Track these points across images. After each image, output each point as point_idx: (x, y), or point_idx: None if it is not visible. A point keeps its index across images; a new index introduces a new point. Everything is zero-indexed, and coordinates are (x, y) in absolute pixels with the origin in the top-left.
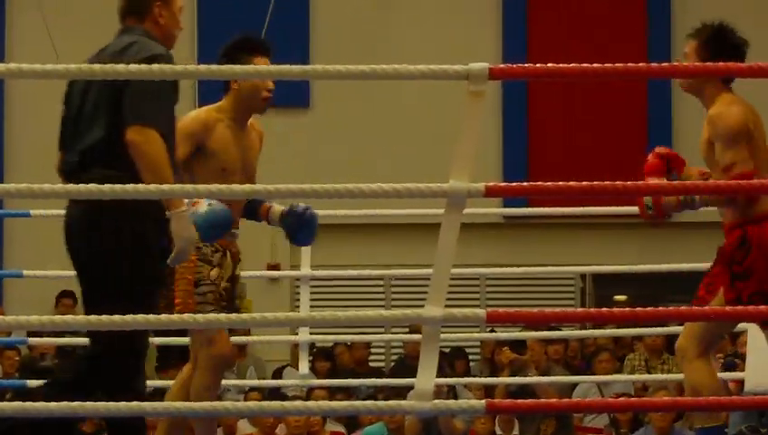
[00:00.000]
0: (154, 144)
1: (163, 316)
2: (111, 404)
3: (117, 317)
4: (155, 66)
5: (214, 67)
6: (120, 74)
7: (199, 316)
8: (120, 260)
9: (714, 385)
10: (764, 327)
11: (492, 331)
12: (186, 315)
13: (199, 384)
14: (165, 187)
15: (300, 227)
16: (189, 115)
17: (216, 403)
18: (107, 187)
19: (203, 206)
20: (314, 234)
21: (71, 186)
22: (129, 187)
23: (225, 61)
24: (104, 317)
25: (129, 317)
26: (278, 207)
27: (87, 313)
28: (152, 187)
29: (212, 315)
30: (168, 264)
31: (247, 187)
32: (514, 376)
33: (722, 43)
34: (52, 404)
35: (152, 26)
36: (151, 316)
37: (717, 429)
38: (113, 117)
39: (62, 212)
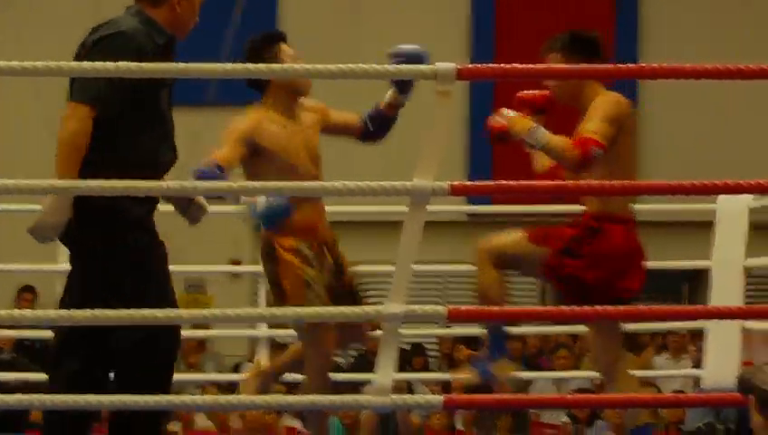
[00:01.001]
0: (72, 121)
1: (146, 311)
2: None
3: (76, 312)
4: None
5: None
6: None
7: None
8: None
9: (500, 292)
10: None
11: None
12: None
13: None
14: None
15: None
16: (237, 119)
17: (173, 397)
18: (65, 183)
19: (261, 200)
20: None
21: (32, 181)
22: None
23: (252, 59)
24: (63, 312)
25: (98, 312)
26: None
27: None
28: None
29: (172, 310)
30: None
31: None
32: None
33: (578, 44)
34: (7, 396)
35: (167, 13)
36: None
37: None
38: None
39: (24, 207)
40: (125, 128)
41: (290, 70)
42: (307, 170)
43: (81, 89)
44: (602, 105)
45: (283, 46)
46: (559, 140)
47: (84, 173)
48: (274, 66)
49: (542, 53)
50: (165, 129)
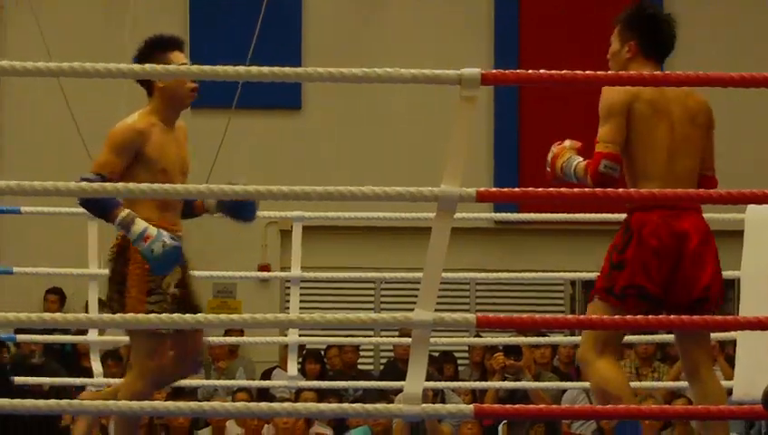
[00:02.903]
0: None
1: (152, 316)
2: (99, 402)
3: (105, 316)
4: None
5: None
6: (113, 74)
7: (188, 316)
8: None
9: (618, 379)
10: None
11: (478, 336)
12: (175, 315)
13: (133, 390)
14: (157, 186)
15: (240, 206)
16: (124, 124)
17: (204, 404)
18: (96, 185)
19: (157, 244)
20: (255, 207)
21: (60, 183)
22: (120, 185)
23: (142, 62)
24: (84, 316)
25: (117, 316)
26: None
27: None
28: (144, 186)
29: (201, 316)
30: None
31: (239, 187)
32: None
33: (639, 17)
34: (40, 402)
35: None
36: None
37: None
38: None
39: (52, 210)
40: None
41: (313, 73)
42: (180, 181)
43: None
44: (601, 103)
45: (178, 53)
46: (580, 169)
47: None
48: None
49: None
50: None
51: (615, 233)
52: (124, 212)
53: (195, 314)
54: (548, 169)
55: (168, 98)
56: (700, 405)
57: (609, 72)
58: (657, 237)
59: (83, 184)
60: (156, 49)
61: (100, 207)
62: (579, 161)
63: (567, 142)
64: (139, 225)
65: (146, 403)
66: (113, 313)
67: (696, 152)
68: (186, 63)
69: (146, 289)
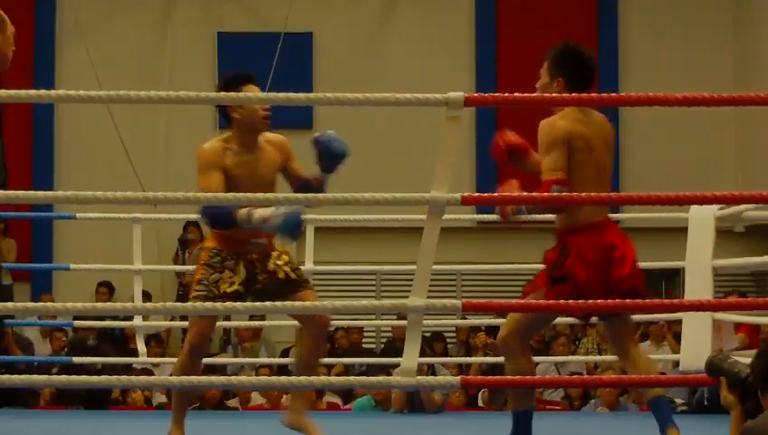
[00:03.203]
0: None
1: (208, 304)
2: (143, 378)
3: (148, 305)
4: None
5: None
6: (148, 99)
7: (218, 304)
8: None
9: (530, 369)
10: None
11: (464, 318)
12: (218, 304)
13: (182, 362)
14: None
15: (326, 152)
16: (202, 148)
17: (233, 377)
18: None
19: (277, 220)
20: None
21: (109, 193)
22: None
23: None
24: (131, 305)
25: (158, 305)
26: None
27: None
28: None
29: (229, 303)
30: None
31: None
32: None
33: (565, 56)
34: (102, 377)
35: None
36: (185, 304)
37: (663, 398)
38: None
39: (102, 215)
40: None
41: (323, 98)
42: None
43: None
44: (543, 137)
45: (252, 86)
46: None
47: None
48: (319, 95)
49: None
50: (2, 150)
51: None
52: (242, 212)
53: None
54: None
55: (243, 125)
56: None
57: (573, 94)
58: (592, 251)
59: (128, 194)
60: (231, 84)
61: (224, 217)
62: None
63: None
64: (257, 214)
65: (184, 378)
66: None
67: (610, 172)
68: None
69: (197, 279)
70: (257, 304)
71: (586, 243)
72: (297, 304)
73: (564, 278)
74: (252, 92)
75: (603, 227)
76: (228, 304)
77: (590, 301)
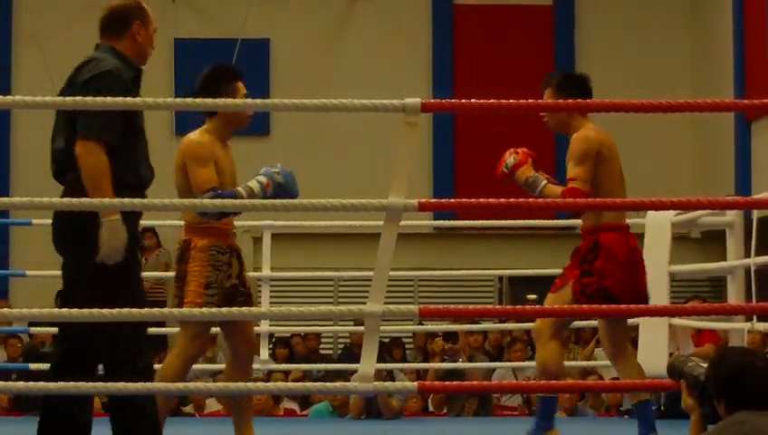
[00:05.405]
0: (92, 156)
1: (145, 310)
2: (110, 384)
3: (104, 311)
4: (164, 100)
5: (198, 100)
6: (115, 105)
7: (181, 310)
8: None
9: (559, 363)
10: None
11: (421, 324)
12: (176, 309)
13: (175, 367)
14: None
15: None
16: (198, 141)
17: (190, 384)
18: (96, 200)
19: (277, 182)
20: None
21: (65, 199)
22: (116, 200)
23: (208, 89)
24: (86, 310)
25: (115, 311)
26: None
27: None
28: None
29: (186, 310)
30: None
31: (218, 202)
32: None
33: (570, 82)
34: (59, 383)
35: (129, 44)
36: (133, 310)
37: (648, 401)
38: (68, 130)
39: None
40: (122, 154)
41: (279, 104)
42: None
43: (89, 125)
44: (574, 146)
45: (240, 84)
46: (552, 191)
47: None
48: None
49: (542, 86)
50: (146, 151)
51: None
52: (240, 191)
53: (250, 304)
54: (504, 170)
55: (228, 120)
56: (628, 379)
57: (530, 100)
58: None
59: (83, 200)
60: (223, 78)
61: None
62: (546, 183)
63: (523, 150)
64: (254, 186)
65: (140, 385)
66: (178, 305)
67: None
68: (245, 93)
69: (204, 283)
70: (213, 310)
71: (621, 241)
72: (254, 309)
73: (592, 273)
74: (239, 90)
75: (629, 231)
76: (196, 310)
77: (554, 307)
